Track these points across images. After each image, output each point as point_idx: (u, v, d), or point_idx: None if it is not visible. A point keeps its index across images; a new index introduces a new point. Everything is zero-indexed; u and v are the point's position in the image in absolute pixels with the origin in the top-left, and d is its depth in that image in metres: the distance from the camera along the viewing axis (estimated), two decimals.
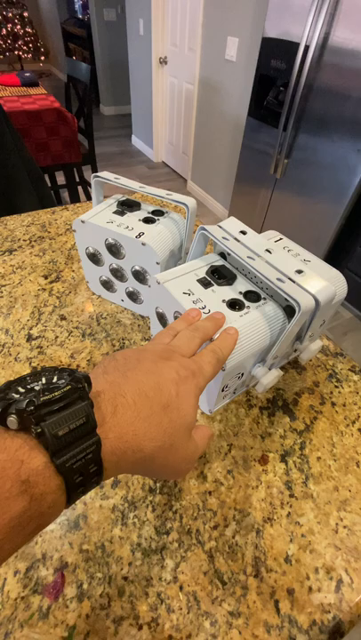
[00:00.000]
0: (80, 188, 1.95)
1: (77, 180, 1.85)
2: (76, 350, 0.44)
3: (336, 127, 1.32)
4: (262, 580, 0.28)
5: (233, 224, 0.36)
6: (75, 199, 1.78)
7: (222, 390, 0.32)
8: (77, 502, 0.31)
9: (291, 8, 1.32)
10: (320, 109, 1.35)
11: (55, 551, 0.28)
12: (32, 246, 0.60)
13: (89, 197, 2.01)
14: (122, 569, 0.28)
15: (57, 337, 0.45)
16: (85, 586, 0.27)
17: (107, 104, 4.16)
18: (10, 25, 4.93)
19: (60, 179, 1.81)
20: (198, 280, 0.33)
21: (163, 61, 2.52)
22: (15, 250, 0.59)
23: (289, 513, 0.32)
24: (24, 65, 5.33)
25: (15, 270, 0.55)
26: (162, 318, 0.37)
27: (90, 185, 2.01)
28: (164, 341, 0.25)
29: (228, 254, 0.35)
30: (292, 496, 0.33)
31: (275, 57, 1.47)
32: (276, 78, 1.50)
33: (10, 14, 4.90)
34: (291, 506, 0.32)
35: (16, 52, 5.10)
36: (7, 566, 0.27)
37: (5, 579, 0.27)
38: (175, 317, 0.33)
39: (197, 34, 2.04)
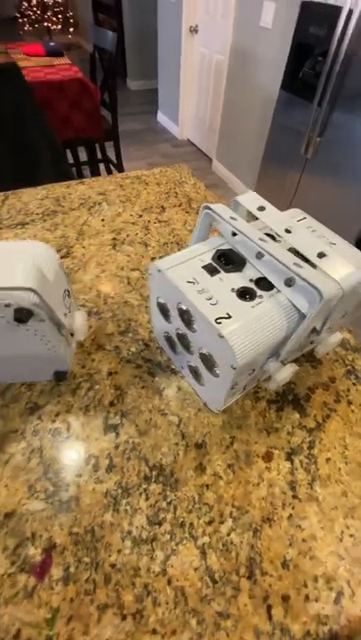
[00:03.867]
0: (102, 165, 1.92)
1: (100, 156, 1.81)
2: None
3: None
4: (256, 583, 0.26)
5: (251, 199, 0.32)
6: (96, 176, 1.75)
7: (231, 388, 0.30)
8: (70, 484, 0.30)
9: None
10: (360, 83, 1.24)
11: (45, 531, 0.28)
12: (44, 220, 0.59)
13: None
14: (110, 556, 0.27)
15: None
16: (72, 569, 0.26)
17: (133, 78, 4.02)
18: None
19: (82, 154, 1.78)
20: (204, 267, 0.30)
21: (193, 30, 2.38)
22: (27, 223, 0.58)
23: (290, 515, 0.30)
24: (53, 37, 5.21)
25: None
26: (163, 309, 0.35)
27: (112, 163, 1.97)
28: None
29: (235, 234, 0.32)
30: (295, 497, 0.31)
31: (314, 23, 1.35)
32: (315, 47, 1.38)
33: None
34: (293, 507, 0.30)
35: (45, 24, 4.98)
36: None
37: None
38: (179, 309, 0.31)
39: None
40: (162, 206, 0.64)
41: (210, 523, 0.29)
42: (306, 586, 0.26)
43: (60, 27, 5.13)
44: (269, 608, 0.25)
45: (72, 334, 0.34)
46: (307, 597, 0.26)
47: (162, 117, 3.27)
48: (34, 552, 0.27)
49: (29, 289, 0.25)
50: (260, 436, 0.34)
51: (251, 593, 0.26)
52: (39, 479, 0.31)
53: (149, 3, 3.46)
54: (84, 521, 0.29)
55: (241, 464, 0.32)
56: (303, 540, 0.28)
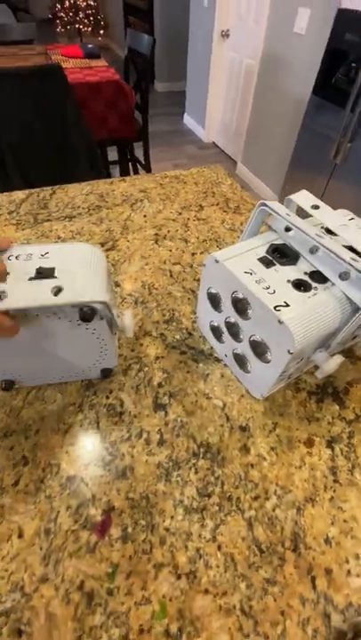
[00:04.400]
0: (130, 164, 1.96)
1: (128, 156, 1.85)
2: None
3: None
4: (300, 556, 0.28)
5: (304, 197, 0.34)
6: (125, 176, 1.79)
7: (280, 375, 0.32)
8: (125, 454, 0.33)
9: None
10: None
11: (104, 495, 0.30)
12: (90, 214, 0.62)
13: (137, 174, 2.02)
14: (164, 521, 0.29)
15: (118, 315, 0.47)
16: (130, 530, 0.29)
17: (161, 80, 4.08)
18: None
19: (111, 154, 1.82)
20: (259, 259, 0.32)
21: (225, 34, 2.41)
22: (74, 217, 0.61)
23: (332, 497, 0.31)
24: (83, 39, 5.33)
25: (74, 236, 0.57)
26: (214, 299, 0.37)
27: (140, 163, 2.01)
28: None
29: (288, 230, 0.34)
30: (336, 481, 0.32)
31: (350, 30, 1.35)
32: (349, 53, 1.38)
33: None
34: (334, 491, 0.31)
35: (77, 26, 5.11)
36: (61, 501, 0.30)
37: (58, 512, 0.29)
38: (233, 298, 0.33)
39: (265, 4, 1.92)
40: (200, 205, 0.67)
41: (255, 498, 0.31)
42: (348, 562, 0.28)
43: (90, 29, 5.25)
44: (313, 579, 0.27)
45: (115, 333, 0.35)
46: (349, 572, 0.27)
47: (188, 119, 3.30)
48: (94, 512, 0.29)
49: (104, 303, 0.27)
50: (301, 424, 0.36)
51: (296, 564, 0.28)
52: (96, 448, 0.33)
53: (181, 7, 3.51)
54: (138, 488, 0.31)
55: (283, 448, 0.34)
56: (344, 521, 0.30)
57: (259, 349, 0.32)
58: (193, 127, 3.23)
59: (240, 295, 0.31)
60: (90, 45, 1.67)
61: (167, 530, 0.29)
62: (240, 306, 0.32)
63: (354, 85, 1.33)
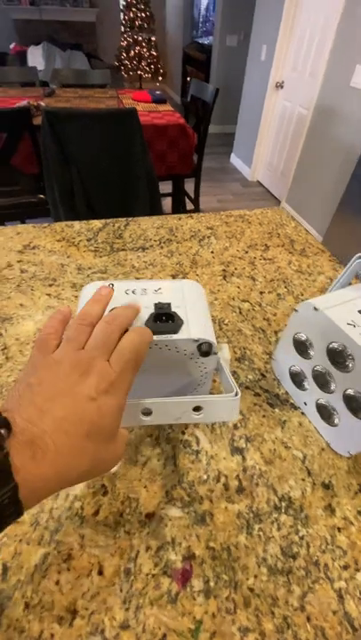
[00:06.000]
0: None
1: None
2: None
3: None
4: None
5: None
6: (177, 209, 1.88)
7: None
8: (204, 497, 0.32)
9: None
10: None
11: (183, 539, 0.29)
12: (161, 247, 0.65)
13: (185, 209, 2.11)
14: (247, 579, 0.28)
15: None
16: (212, 584, 0.27)
17: (212, 123, 4.34)
18: (138, 47, 5.49)
19: (162, 187, 1.93)
20: (360, 311, 0.32)
21: (279, 86, 2.56)
22: (147, 248, 0.64)
23: None
24: (143, 84, 5.86)
25: (147, 267, 0.59)
26: (302, 345, 0.36)
27: (189, 197, 2.11)
28: (81, 340, 0.23)
29: None
30: None
31: None
32: None
33: (140, 38, 5.46)
34: None
35: (138, 72, 5.65)
36: (140, 540, 0.29)
37: (138, 551, 0.29)
38: (329, 349, 0.32)
39: (323, 59, 2.03)
40: (265, 244, 0.68)
41: (345, 568, 0.28)
42: None
43: (150, 75, 5.78)
44: None
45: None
46: None
47: (235, 159, 3.46)
48: (175, 558, 0.28)
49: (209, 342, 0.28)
50: None
51: None
52: (175, 486, 0.32)
53: (237, 60, 3.78)
54: (219, 537, 0.30)
55: None
56: None
57: (354, 404, 0.31)
58: (239, 166, 3.38)
59: (338, 347, 0.31)
60: (157, 92, 1.84)
61: (251, 590, 0.27)
62: (338, 357, 0.32)
63: None
